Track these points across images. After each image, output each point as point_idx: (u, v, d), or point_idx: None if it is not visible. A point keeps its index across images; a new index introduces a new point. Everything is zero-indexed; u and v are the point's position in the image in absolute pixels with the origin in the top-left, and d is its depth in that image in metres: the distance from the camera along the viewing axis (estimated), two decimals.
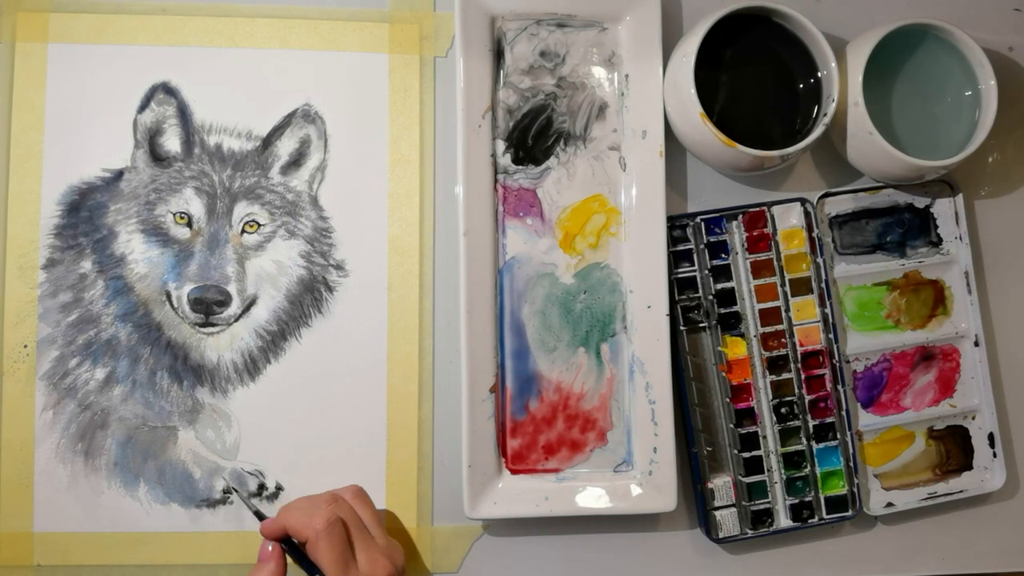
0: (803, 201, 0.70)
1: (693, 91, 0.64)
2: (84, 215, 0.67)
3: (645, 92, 0.69)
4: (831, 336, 0.70)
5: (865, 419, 0.71)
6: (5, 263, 0.66)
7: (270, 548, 0.62)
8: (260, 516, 0.64)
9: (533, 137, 0.69)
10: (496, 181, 0.69)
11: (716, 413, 0.70)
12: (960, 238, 0.72)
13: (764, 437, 0.69)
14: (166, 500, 0.66)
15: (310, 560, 0.60)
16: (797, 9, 0.66)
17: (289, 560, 0.62)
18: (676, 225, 0.70)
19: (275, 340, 0.67)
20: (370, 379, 0.68)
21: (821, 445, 0.69)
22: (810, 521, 0.69)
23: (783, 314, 0.70)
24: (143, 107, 0.68)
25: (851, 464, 0.69)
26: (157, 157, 0.67)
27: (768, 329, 0.69)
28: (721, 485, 0.69)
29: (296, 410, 0.67)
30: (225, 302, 0.67)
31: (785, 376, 0.69)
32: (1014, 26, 0.75)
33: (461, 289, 0.67)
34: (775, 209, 0.70)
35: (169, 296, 0.67)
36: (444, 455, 0.68)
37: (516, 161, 0.69)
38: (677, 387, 0.69)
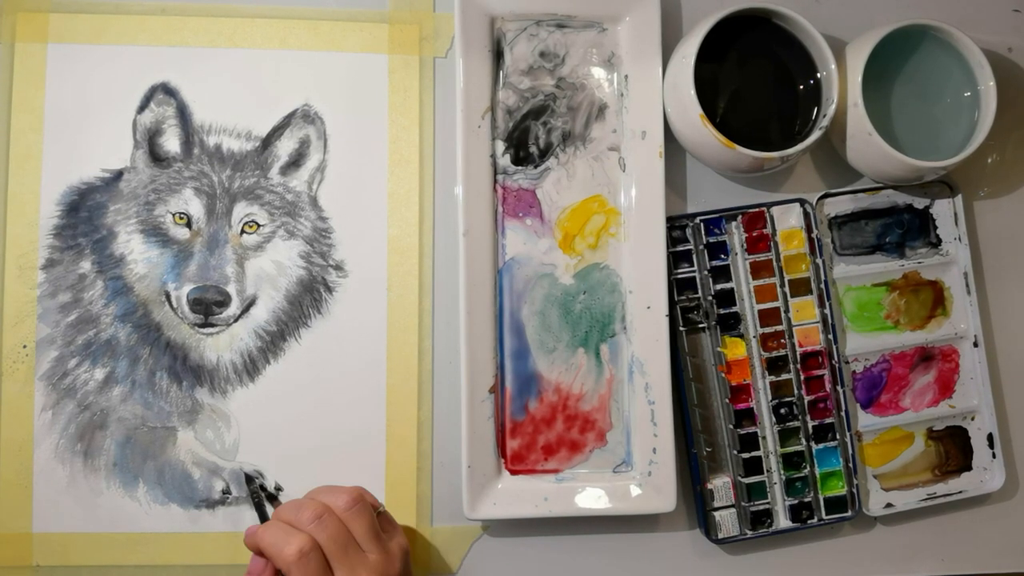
0: (802, 202, 0.70)
1: (693, 92, 0.64)
2: (83, 215, 0.67)
3: (645, 93, 0.69)
4: (830, 337, 0.70)
5: (864, 420, 0.71)
6: (4, 263, 0.66)
7: (262, 565, 0.59)
8: (263, 518, 0.62)
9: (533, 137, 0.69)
10: (495, 181, 0.69)
11: (715, 414, 0.70)
12: (959, 239, 0.72)
13: (763, 438, 0.69)
14: (165, 500, 0.66)
15: None
16: (796, 10, 0.66)
17: None
18: (675, 226, 0.70)
19: (274, 340, 0.67)
20: (369, 379, 0.68)
21: (820, 446, 0.69)
22: (809, 522, 0.69)
23: (782, 315, 0.70)
24: (143, 107, 0.67)
25: (850, 465, 0.69)
26: (156, 157, 0.67)
27: (767, 330, 0.69)
28: (720, 486, 0.69)
29: (295, 410, 0.67)
30: (224, 302, 0.67)
31: (784, 377, 0.69)
32: (1013, 27, 0.75)
33: (460, 289, 0.67)
34: (774, 210, 0.70)
35: (168, 296, 0.67)
36: (443, 455, 0.68)
37: (515, 161, 0.69)
38: (676, 388, 0.69)
